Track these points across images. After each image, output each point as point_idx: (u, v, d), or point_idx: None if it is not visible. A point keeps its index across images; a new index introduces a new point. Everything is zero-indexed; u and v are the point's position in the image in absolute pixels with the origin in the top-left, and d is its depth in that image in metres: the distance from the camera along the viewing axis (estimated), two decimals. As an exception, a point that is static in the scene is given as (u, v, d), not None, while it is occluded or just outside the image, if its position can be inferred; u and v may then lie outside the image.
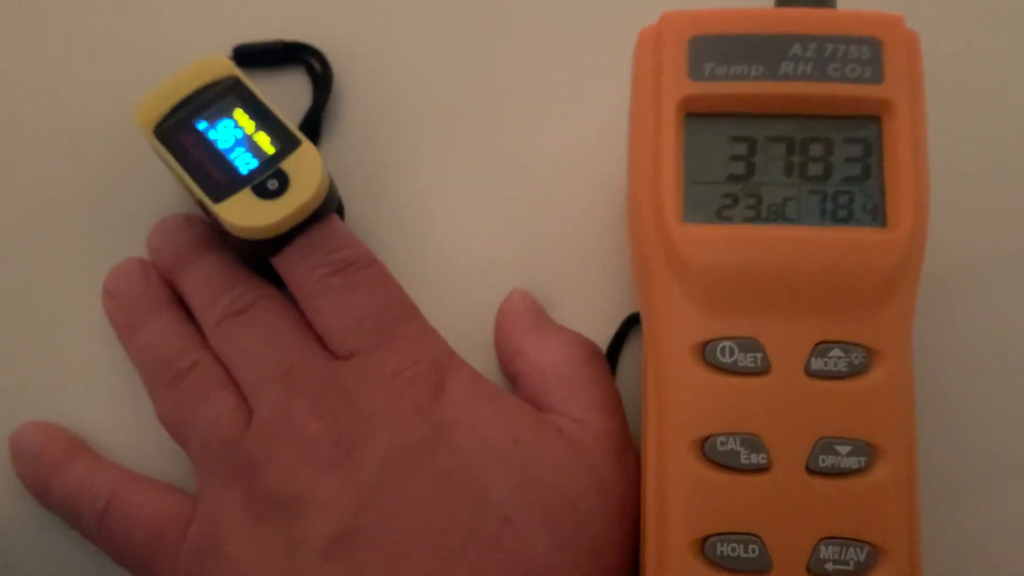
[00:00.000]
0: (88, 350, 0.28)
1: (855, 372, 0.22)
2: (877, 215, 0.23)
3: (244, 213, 0.25)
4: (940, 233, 0.27)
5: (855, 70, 0.23)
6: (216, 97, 0.27)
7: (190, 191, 0.26)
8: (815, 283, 0.22)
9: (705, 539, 0.22)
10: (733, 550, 0.22)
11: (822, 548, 0.22)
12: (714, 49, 0.23)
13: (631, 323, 0.28)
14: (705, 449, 0.22)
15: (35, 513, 0.27)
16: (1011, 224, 0.29)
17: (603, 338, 0.28)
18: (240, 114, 0.26)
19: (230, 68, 0.27)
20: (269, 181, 0.25)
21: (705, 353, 0.23)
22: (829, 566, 0.22)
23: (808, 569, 0.22)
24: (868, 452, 0.22)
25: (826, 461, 0.22)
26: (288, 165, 0.25)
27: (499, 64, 0.31)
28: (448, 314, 0.27)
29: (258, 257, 0.26)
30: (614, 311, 0.28)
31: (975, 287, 0.28)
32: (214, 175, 0.26)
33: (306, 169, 0.25)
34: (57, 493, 0.26)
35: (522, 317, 0.27)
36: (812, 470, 0.22)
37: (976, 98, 0.30)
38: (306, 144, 0.26)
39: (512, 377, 0.27)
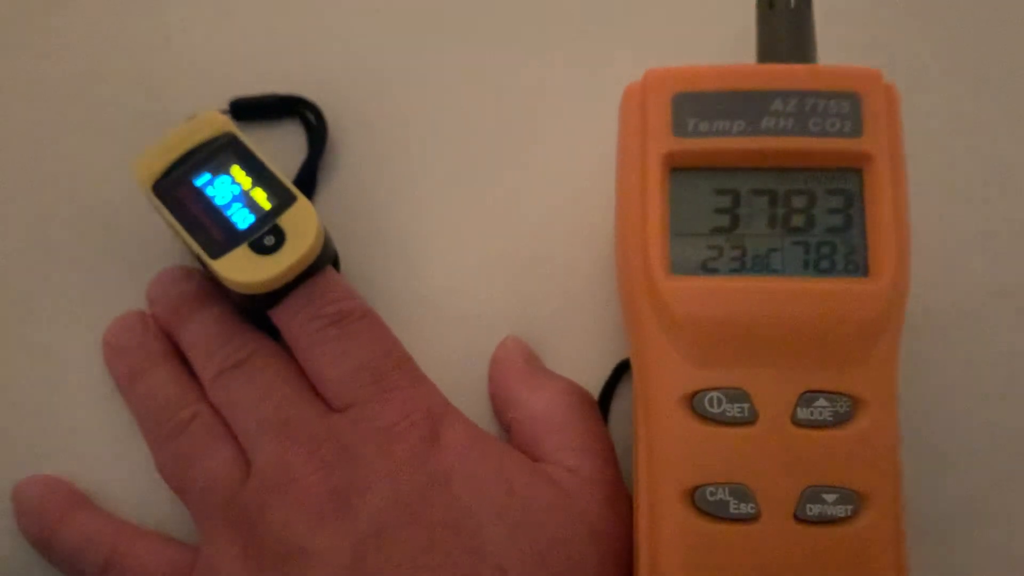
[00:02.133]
0: (89, 402, 0.29)
1: (840, 421, 0.23)
2: (859, 265, 0.23)
3: (241, 269, 0.25)
4: (922, 279, 0.27)
5: (835, 124, 0.24)
6: (213, 154, 0.27)
7: (188, 246, 0.27)
8: (799, 333, 0.23)
9: (697, 588, 0.22)
10: (724, 598, 0.22)
11: (811, 595, 0.22)
12: (697, 105, 0.24)
13: (622, 369, 0.28)
14: (695, 499, 0.23)
15: (39, 569, 0.27)
16: (990, 269, 0.29)
17: (596, 382, 0.28)
18: (237, 170, 0.27)
19: (227, 125, 0.28)
20: (266, 237, 0.26)
21: (693, 403, 0.23)
22: (818, 613, 0.22)
23: (798, 616, 0.22)
24: (854, 500, 0.22)
25: (813, 510, 0.22)
26: (284, 221, 0.26)
27: (491, 116, 0.31)
28: (442, 362, 0.28)
29: (256, 310, 0.27)
30: (607, 356, 0.28)
31: (960, 330, 0.29)
32: (211, 231, 0.26)
33: (302, 225, 0.26)
34: (59, 548, 0.26)
35: (515, 365, 0.28)
36: (800, 519, 0.22)
37: (956, 145, 0.30)
38: (302, 200, 0.26)
39: (506, 425, 0.27)
